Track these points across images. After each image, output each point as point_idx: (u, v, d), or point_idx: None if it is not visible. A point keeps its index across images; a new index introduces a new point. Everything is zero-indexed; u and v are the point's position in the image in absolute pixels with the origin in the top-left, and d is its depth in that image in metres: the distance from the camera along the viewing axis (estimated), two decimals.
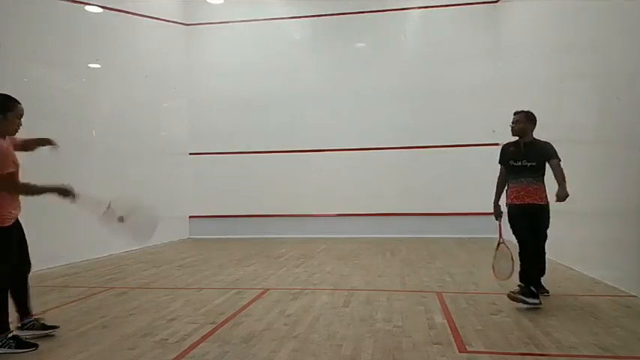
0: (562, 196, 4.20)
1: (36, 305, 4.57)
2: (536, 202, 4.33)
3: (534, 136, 4.48)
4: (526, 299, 4.06)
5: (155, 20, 9.28)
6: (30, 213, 6.43)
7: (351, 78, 9.78)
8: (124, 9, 8.51)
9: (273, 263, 6.73)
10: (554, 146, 4.47)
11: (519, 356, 3.06)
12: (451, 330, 3.57)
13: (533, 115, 4.52)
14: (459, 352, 3.13)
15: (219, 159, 10.20)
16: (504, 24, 8.81)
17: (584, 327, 3.59)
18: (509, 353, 3.10)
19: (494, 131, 8.80)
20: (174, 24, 9.91)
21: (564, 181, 4.25)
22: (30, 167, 6.53)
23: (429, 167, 9.39)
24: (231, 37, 10.19)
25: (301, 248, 8.12)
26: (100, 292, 5.16)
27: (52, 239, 6.83)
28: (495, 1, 9.18)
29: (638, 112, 4.41)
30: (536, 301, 4.07)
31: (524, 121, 4.46)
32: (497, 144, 9.03)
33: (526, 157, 4.35)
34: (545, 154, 4.37)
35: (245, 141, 10.05)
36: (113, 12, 8.24)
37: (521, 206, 4.32)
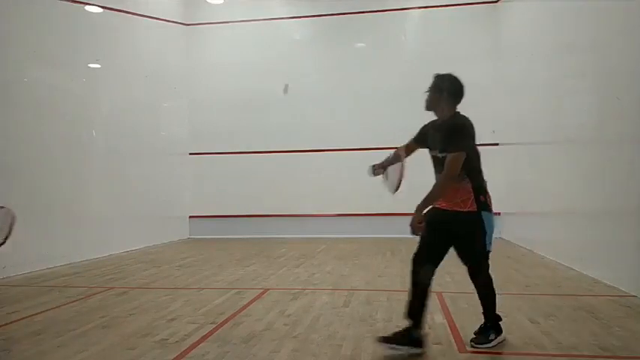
0: (412, 219, 2.96)
1: (36, 305, 4.59)
2: (446, 208, 3.09)
3: (460, 111, 3.19)
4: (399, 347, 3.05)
5: (155, 20, 9.28)
6: (30, 213, 6.47)
7: (351, 78, 9.78)
8: (124, 9, 8.51)
9: (273, 263, 6.73)
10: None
11: (519, 356, 3.06)
12: (451, 330, 3.57)
13: (450, 80, 3.16)
14: (459, 352, 3.13)
15: (219, 159, 10.20)
16: (504, 24, 8.81)
17: (584, 327, 3.58)
18: (509, 353, 3.10)
19: (494, 131, 8.80)
20: (174, 24, 9.91)
21: (433, 191, 3.02)
22: (29, 167, 6.57)
23: (429, 167, 9.35)
24: (231, 37, 10.19)
25: (301, 248, 8.12)
26: (100, 292, 5.15)
27: (52, 239, 6.84)
28: (495, 1, 9.18)
29: (638, 112, 4.41)
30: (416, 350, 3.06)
31: (432, 89, 3.19)
32: (497, 144, 9.05)
33: (434, 145, 3.16)
34: (446, 140, 3.03)
35: (245, 141, 10.06)
36: (113, 12, 8.24)
37: (428, 212, 3.05)
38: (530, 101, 7.44)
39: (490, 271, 3.21)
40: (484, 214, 3.03)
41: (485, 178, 3.14)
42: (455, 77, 3.18)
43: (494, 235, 3.10)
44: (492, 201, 3.12)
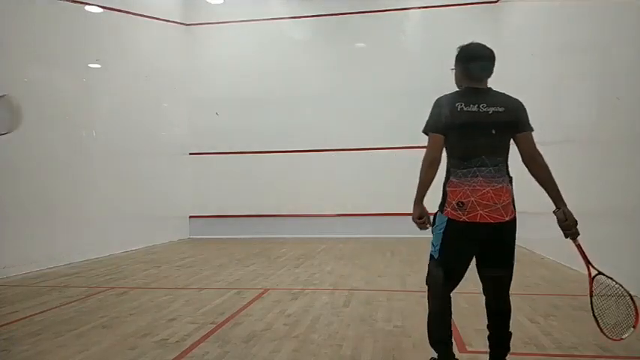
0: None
1: (36, 305, 4.59)
2: None
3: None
4: None
5: (155, 20, 9.28)
6: (30, 213, 6.47)
7: (351, 78, 9.78)
8: (124, 9, 8.51)
9: (273, 263, 6.73)
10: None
11: (519, 356, 3.05)
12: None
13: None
14: (459, 352, 3.12)
15: (219, 159, 10.19)
16: (504, 24, 8.80)
17: (584, 327, 3.58)
18: (509, 354, 3.09)
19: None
20: (174, 24, 9.91)
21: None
22: (30, 167, 6.56)
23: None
24: (231, 37, 10.19)
25: (301, 248, 8.12)
26: (100, 292, 5.15)
27: (52, 239, 6.85)
28: (495, 1, 9.18)
29: (638, 112, 4.41)
30: None
31: None
32: None
33: None
34: None
35: (245, 141, 10.05)
36: (113, 12, 8.24)
37: None
38: (530, 101, 7.40)
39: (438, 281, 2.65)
40: (438, 213, 2.65)
41: (461, 173, 2.53)
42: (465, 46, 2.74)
43: (438, 242, 2.60)
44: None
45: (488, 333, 2.68)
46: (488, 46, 2.91)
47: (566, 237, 2.55)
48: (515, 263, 2.62)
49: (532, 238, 7.33)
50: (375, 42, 9.84)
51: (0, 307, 4.56)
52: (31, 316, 4.24)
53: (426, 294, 2.74)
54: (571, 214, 2.50)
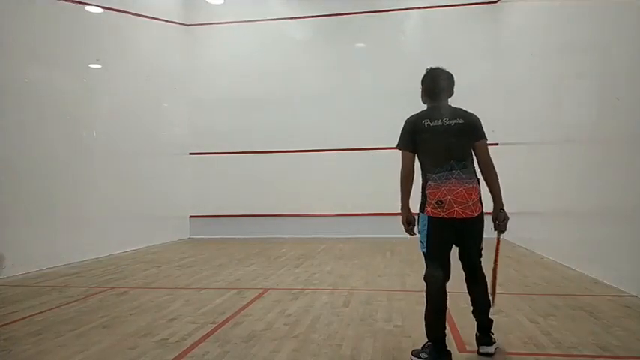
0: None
1: (36, 305, 4.60)
2: None
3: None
4: None
5: (155, 20, 9.28)
6: (31, 213, 6.48)
7: (351, 78, 9.78)
8: (124, 9, 8.51)
9: (273, 263, 6.73)
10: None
11: (519, 356, 3.06)
12: (451, 330, 3.57)
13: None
14: (459, 352, 3.13)
15: (219, 159, 10.20)
16: (504, 24, 8.81)
17: (584, 327, 3.59)
18: (509, 353, 3.10)
19: (493, 131, 8.79)
20: (174, 24, 9.91)
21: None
22: (30, 167, 6.57)
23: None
24: (231, 37, 10.19)
25: (301, 248, 8.12)
26: (100, 292, 5.16)
27: (52, 239, 6.85)
28: (495, 1, 9.19)
29: (638, 112, 4.41)
30: None
31: None
32: (497, 144, 9.06)
33: None
34: None
35: (245, 141, 10.06)
36: (113, 12, 8.25)
37: None
38: (530, 101, 7.45)
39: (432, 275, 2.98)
40: (420, 214, 3.05)
41: (436, 175, 2.91)
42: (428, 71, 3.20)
43: (424, 239, 2.97)
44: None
45: (472, 308, 3.12)
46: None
47: (496, 229, 3.04)
48: (482, 247, 3.07)
49: (532, 238, 7.34)
50: (375, 42, 9.85)
51: (0, 307, 4.57)
52: (31, 315, 4.24)
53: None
54: (506, 214, 3.01)
